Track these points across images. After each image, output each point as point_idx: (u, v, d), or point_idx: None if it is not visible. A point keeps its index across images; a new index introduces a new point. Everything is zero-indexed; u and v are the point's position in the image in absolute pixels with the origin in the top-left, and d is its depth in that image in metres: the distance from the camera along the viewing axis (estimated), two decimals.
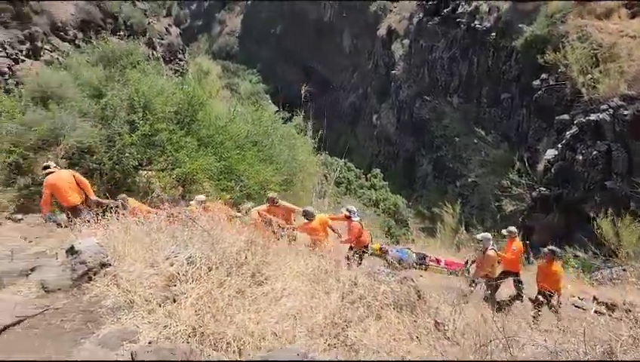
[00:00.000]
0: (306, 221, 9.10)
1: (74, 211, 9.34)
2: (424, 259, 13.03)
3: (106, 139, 12.96)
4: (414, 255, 13.07)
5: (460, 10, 35.73)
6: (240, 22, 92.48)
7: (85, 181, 9.88)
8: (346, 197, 27.12)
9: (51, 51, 29.41)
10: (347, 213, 9.75)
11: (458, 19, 35.44)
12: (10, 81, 24.67)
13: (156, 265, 5.05)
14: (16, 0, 27.17)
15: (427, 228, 26.13)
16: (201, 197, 10.08)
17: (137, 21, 36.03)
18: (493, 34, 31.02)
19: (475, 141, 31.57)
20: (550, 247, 9.79)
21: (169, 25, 46.72)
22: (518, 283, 10.43)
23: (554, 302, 9.42)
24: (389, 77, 46.35)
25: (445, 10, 37.70)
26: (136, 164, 12.98)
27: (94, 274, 4.86)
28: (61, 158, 12.67)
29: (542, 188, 20.93)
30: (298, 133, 18.43)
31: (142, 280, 4.75)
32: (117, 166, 12.58)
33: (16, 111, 13.66)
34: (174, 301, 4.46)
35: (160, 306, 4.39)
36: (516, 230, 10.67)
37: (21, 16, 27.88)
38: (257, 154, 14.48)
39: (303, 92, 21.78)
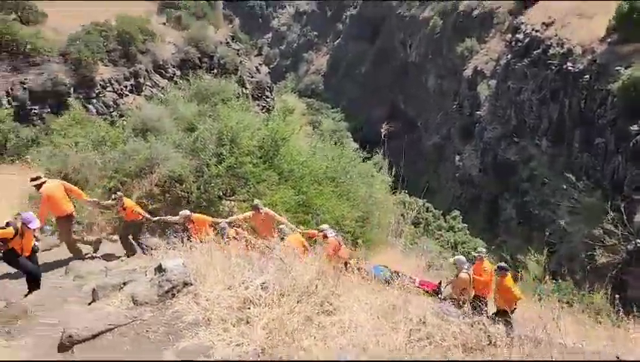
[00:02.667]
0: (281, 240, 9.33)
1: (68, 219, 9.87)
2: (398, 276, 12.50)
3: (195, 169, 13.90)
4: (389, 272, 12.57)
5: (551, 51, 34.73)
6: (326, 61, 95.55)
7: (74, 188, 10.32)
8: (423, 238, 26.63)
9: (152, 87, 32.21)
10: (323, 233, 10.14)
11: (549, 61, 34.42)
12: (114, 113, 27.32)
13: (233, 288, 5.39)
14: (124, 40, 30.18)
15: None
16: (185, 212, 10.61)
17: (230, 60, 38.48)
18: (587, 76, 29.76)
19: (565, 187, 29.94)
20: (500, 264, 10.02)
21: (259, 64, 49.45)
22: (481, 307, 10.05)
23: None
24: (473, 118, 45.57)
25: (535, 52, 36.79)
26: (221, 193, 13.76)
27: (178, 292, 5.30)
28: (154, 185, 13.75)
29: (639, 241, 19.44)
30: (377, 171, 18.59)
31: (219, 300, 5.10)
32: (203, 195, 13.39)
33: (119, 140, 15.11)
34: (247, 322, 4.75)
35: (234, 326, 4.69)
36: (484, 250, 10.77)
37: (128, 56, 30.93)
38: (335, 190, 14.79)
39: (383, 131, 22.04)
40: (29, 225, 8.06)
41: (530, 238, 30.14)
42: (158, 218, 11.46)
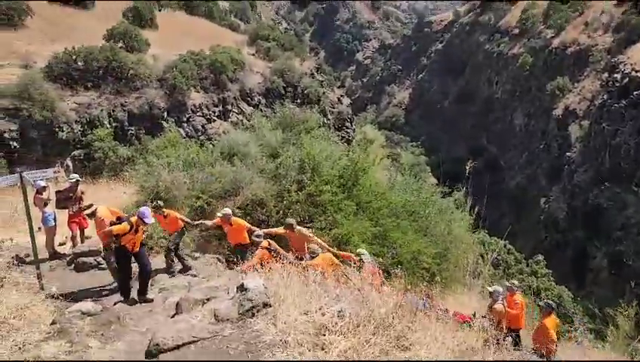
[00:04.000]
0: (311, 256, 9.37)
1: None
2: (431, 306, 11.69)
3: (277, 194, 14.30)
4: (421, 301, 11.75)
5: None
6: (408, 95, 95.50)
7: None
8: (502, 281, 25.40)
9: (238, 113, 33.74)
10: (358, 257, 10.06)
11: None
12: (202, 137, 28.84)
13: (309, 313, 5.46)
14: (216, 69, 31.95)
15: (596, 330, 23.07)
16: (227, 210, 10.97)
17: (313, 91, 39.54)
18: None
19: None
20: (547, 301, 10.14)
21: (341, 95, 50.32)
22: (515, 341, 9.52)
23: None
24: (562, 159, 43.38)
25: (635, 93, 34.64)
26: (300, 220, 14.01)
27: (257, 311, 5.45)
28: (237, 207, 14.29)
29: None
30: (457, 208, 18.12)
31: (296, 324, 5.18)
32: (282, 220, 13.71)
33: (207, 163, 15.92)
34: (323, 349, 4.77)
35: (309, 351, 4.74)
36: (518, 283, 10.61)
37: (218, 83, 32.69)
38: (412, 224, 14.59)
39: (467, 168, 21.50)
40: (144, 220, 8.26)
41: (622, 291, 27.86)
42: (198, 222, 11.71)
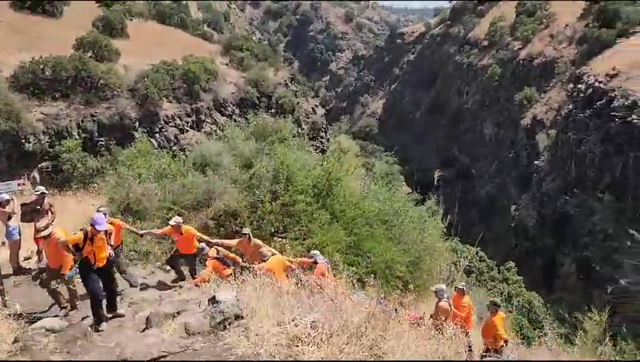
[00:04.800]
0: (263, 261, 9.34)
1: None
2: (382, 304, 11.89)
3: (250, 205, 14.19)
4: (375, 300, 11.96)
5: (615, 103, 33.66)
6: (381, 105, 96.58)
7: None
8: (475, 288, 25.69)
9: (211, 124, 33.46)
10: (313, 258, 10.17)
11: (613, 113, 33.33)
12: (174, 147, 28.47)
13: (283, 324, 5.41)
14: (189, 79, 31.68)
15: (565, 334, 23.53)
16: (178, 219, 10.76)
17: (288, 101, 39.57)
18: None
19: (629, 244, 28.35)
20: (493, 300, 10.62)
21: (315, 105, 50.52)
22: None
23: None
24: (530, 168, 44.37)
25: (599, 103, 35.76)
26: (274, 230, 13.92)
27: (229, 324, 5.38)
28: (210, 219, 14.12)
29: None
30: (430, 216, 18.28)
31: (269, 336, 5.13)
32: (256, 230, 13.59)
33: (179, 173, 15.70)
34: (295, 360, 4.73)
35: None
36: (465, 286, 10.92)
37: (192, 93, 32.39)
38: (386, 233, 14.64)
39: (436, 177, 21.81)
40: (96, 227, 7.57)
41: (589, 296, 28.54)
42: (146, 231, 11.45)
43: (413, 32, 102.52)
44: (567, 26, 53.15)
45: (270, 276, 8.99)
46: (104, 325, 7.38)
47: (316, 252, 10.61)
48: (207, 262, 10.04)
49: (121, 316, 8.08)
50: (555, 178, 39.48)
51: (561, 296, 31.39)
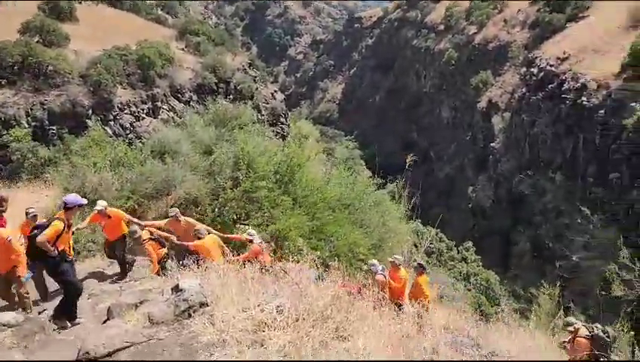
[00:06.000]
0: (197, 239, 9.50)
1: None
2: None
3: (211, 192, 14.00)
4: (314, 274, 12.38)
5: (566, 86, 34.87)
6: (341, 90, 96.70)
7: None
8: (435, 268, 26.35)
9: (168, 110, 32.75)
10: (249, 238, 10.22)
11: (563, 95, 34.54)
12: (130, 135, 27.74)
13: (248, 310, 5.40)
14: (143, 65, 30.82)
15: (521, 309, 24.51)
16: (103, 202, 9.91)
17: (246, 86, 39.10)
18: (602, 111, 29.77)
19: (579, 221, 29.64)
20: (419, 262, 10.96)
21: (275, 91, 50.14)
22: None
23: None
24: (487, 150, 45.56)
25: (550, 86, 36.97)
26: (236, 217, 13.81)
27: (194, 312, 5.32)
28: (170, 207, 13.87)
29: None
30: (392, 200, 18.53)
31: (234, 322, 5.11)
32: (218, 218, 13.44)
33: (136, 162, 15.30)
34: (262, 345, 4.74)
35: (249, 348, 4.69)
36: (402, 258, 11.26)
37: (147, 79, 31.55)
38: (348, 217, 14.76)
39: (408, 161, 22.07)
40: (80, 203, 6.91)
41: (543, 272, 29.75)
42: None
43: (371, 17, 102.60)
44: (519, 10, 54.45)
45: (202, 253, 9.04)
46: (82, 319, 6.77)
47: (253, 232, 10.61)
48: (145, 245, 9.89)
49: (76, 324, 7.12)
50: (510, 159, 40.72)
51: (516, 273, 32.64)
